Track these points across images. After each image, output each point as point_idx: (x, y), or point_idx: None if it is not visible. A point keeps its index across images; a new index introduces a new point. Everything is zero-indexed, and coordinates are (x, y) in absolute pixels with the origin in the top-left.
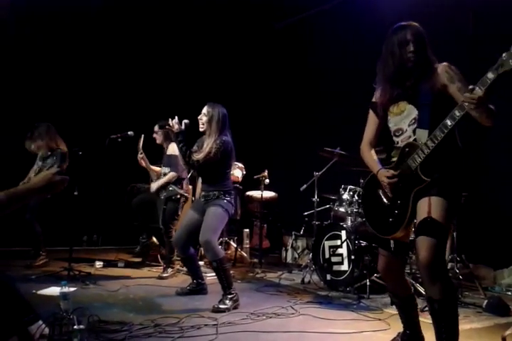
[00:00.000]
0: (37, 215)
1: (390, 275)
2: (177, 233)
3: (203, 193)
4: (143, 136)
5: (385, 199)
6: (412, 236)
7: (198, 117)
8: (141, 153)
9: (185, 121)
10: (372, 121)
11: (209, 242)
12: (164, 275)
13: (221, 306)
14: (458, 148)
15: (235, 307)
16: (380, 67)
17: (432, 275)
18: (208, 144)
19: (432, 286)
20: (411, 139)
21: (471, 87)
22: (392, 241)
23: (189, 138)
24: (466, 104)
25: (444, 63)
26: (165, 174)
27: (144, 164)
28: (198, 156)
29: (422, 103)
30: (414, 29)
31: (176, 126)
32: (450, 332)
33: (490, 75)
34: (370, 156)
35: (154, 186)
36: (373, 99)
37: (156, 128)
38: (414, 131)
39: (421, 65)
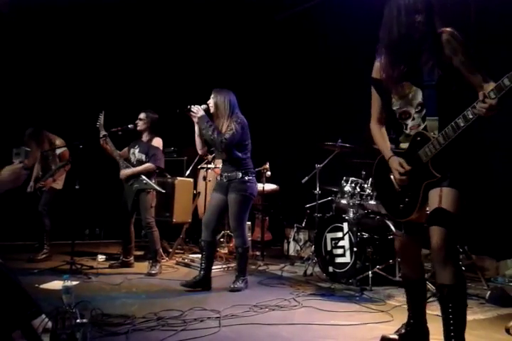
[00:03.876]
0: (50, 208)
1: (405, 256)
2: (206, 217)
3: (225, 174)
4: (103, 112)
5: (396, 186)
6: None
7: (208, 102)
8: (105, 135)
9: (204, 106)
10: (375, 98)
11: (239, 230)
12: (153, 271)
13: (237, 285)
14: (473, 142)
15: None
16: (383, 35)
17: (443, 259)
18: (229, 123)
19: (443, 271)
20: (420, 128)
21: (483, 92)
22: (402, 225)
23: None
24: (476, 110)
25: (448, 30)
26: (139, 161)
27: (107, 148)
28: (225, 134)
29: (426, 84)
30: None
31: (201, 112)
32: (458, 320)
33: (506, 82)
34: (381, 136)
35: (127, 173)
36: (373, 75)
37: (142, 115)
38: (423, 119)
39: (428, 38)
